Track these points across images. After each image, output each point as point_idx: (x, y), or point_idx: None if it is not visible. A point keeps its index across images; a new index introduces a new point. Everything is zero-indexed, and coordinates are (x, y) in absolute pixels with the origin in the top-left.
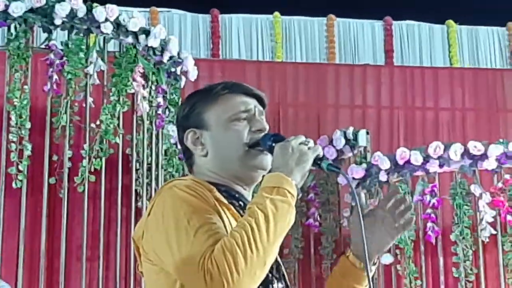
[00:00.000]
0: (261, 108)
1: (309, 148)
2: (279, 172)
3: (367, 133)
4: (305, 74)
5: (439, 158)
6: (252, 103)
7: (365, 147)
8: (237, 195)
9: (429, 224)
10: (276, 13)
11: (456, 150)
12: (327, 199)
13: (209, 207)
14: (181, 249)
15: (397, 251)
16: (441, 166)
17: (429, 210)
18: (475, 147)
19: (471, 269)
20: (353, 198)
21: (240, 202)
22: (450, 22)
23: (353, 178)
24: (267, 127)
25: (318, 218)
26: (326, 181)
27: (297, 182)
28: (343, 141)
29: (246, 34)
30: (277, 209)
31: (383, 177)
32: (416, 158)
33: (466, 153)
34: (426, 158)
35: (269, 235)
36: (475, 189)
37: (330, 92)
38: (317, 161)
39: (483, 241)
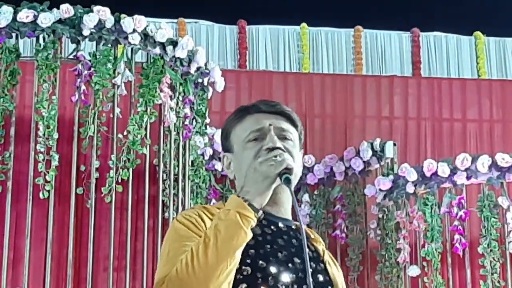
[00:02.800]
0: (280, 125)
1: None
2: (239, 193)
3: (394, 144)
4: (332, 85)
5: (466, 170)
6: (268, 120)
7: (392, 159)
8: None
9: (457, 236)
10: (303, 24)
11: (483, 162)
12: (354, 210)
13: (195, 234)
14: (156, 275)
15: (424, 263)
16: (468, 178)
17: (456, 222)
18: (503, 159)
19: (498, 282)
20: (298, 219)
21: (265, 222)
22: (478, 33)
23: (380, 190)
24: (278, 144)
25: (345, 230)
26: (353, 193)
27: (251, 201)
28: (370, 152)
29: (273, 45)
30: (221, 232)
31: (410, 188)
32: (444, 170)
33: (493, 165)
34: (454, 170)
35: (207, 258)
36: (503, 202)
37: (357, 103)
38: (282, 175)
39: (510, 254)
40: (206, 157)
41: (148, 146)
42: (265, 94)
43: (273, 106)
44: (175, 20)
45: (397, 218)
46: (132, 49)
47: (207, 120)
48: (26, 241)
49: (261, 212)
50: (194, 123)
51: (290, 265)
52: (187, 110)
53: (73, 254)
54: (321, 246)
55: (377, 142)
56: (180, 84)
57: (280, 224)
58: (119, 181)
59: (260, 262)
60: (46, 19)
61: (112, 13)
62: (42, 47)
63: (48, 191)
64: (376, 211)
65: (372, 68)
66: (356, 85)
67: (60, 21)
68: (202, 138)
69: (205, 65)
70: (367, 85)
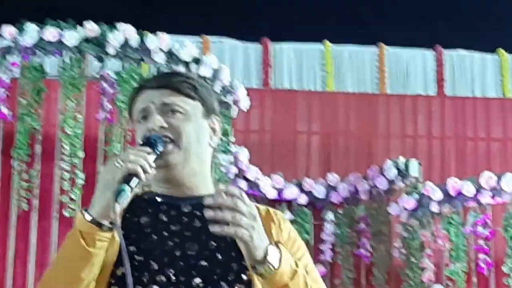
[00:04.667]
0: (163, 100)
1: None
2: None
3: (419, 163)
4: (356, 104)
5: (491, 189)
6: (153, 97)
7: (416, 177)
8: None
9: (482, 256)
10: (327, 42)
11: (508, 181)
12: (379, 229)
13: None
14: None
15: (449, 283)
16: (493, 197)
17: (481, 242)
18: None
19: None
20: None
21: (164, 207)
22: (501, 50)
23: (404, 209)
24: (158, 123)
25: (370, 249)
26: (377, 211)
27: (96, 217)
28: (394, 171)
29: (297, 63)
30: (64, 251)
31: (434, 207)
32: (468, 189)
33: None
34: (478, 189)
35: (49, 279)
36: None
37: (381, 122)
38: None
39: None
40: (231, 176)
41: None
42: (289, 112)
43: (158, 80)
44: (199, 38)
45: (421, 237)
46: (158, 68)
47: (232, 139)
48: (51, 259)
49: (112, 225)
50: (219, 141)
51: (178, 253)
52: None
53: None
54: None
55: (401, 160)
56: None
57: (183, 207)
58: None
59: (139, 258)
60: (71, 37)
61: (135, 28)
62: (67, 65)
63: (73, 209)
64: (400, 230)
65: (396, 86)
66: (380, 104)
67: (85, 39)
68: (227, 156)
69: (230, 83)
70: (391, 104)
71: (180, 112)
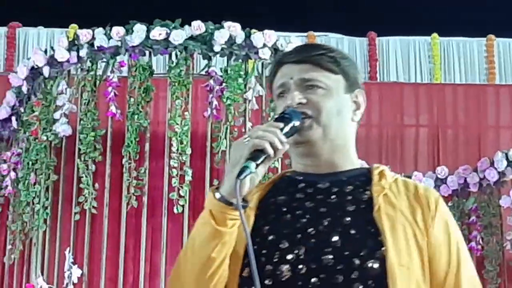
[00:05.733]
0: (303, 75)
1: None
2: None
3: None
4: (464, 95)
5: None
6: (292, 72)
7: None
8: (300, 179)
9: None
10: (434, 35)
11: None
12: (489, 222)
13: None
14: None
15: None
16: None
17: None
18: None
19: None
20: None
21: (302, 185)
22: None
23: None
24: (296, 100)
25: (480, 241)
26: (488, 204)
27: (225, 195)
28: (504, 162)
29: (403, 56)
30: (197, 231)
31: None
32: None
33: None
34: None
35: (186, 261)
36: None
37: (490, 113)
38: (249, 159)
39: None
40: None
41: (280, 160)
42: (396, 105)
43: (298, 54)
44: (305, 34)
45: None
46: (262, 63)
47: None
48: (161, 256)
49: (244, 203)
50: None
51: (310, 230)
52: None
53: None
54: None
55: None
56: None
57: (320, 184)
58: None
59: (271, 237)
60: (178, 36)
61: (242, 28)
62: (174, 64)
63: (182, 205)
64: None
65: (505, 77)
66: (489, 94)
67: (191, 37)
68: None
69: None
70: (501, 95)
71: (321, 87)
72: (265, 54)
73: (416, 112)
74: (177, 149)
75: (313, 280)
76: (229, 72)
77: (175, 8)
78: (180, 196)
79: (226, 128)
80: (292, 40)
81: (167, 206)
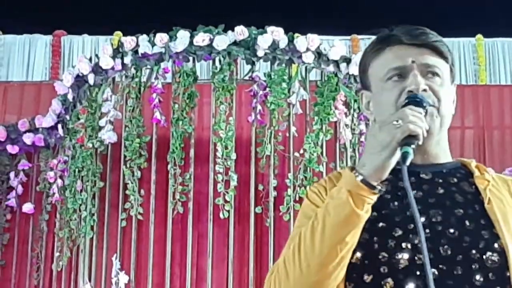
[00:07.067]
0: (425, 61)
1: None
2: (357, 165)
3: None
4: (510, 96)
5: None
6: (410, 55)
7: None
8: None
9: None
10: (479, 36)
11: None
12: None
13: (313, 208)
14: None
15: None
16: None
17: None
18: None
19: None
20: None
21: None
22: None
23: None
24: (422, 86)
25: None
26: None
27: (366, 177)
28: None
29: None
30: (330, 214)
31: None
32: None
33: None
34: None
35: (313, 245)
36: None
37: None
38: (404, 145)
39: None
40: None
41: (324, 164)
42: None
43: (416, 37)
44: (348, 37)
45: None
46: (306, 68)
47: None
48: (208, 261)
49: (380, 187)
50: None
51: (423, 219)
52: (362, 126)
53: (254, 273)
54: (484, 184)
55: None
56: (355, 100)
57: (422, 174)
58: (297, 199)
59: (381, 224)
60: (222, 41)
61: (285, 33)
62: (218, 69)
63: (228, 211)
64: None
65: None
66: None
67: (235, 43)
68: None
69: None
70: None
71: (439, 76)
72: (308, 58)
73: (461, 114)
74: (222, 155)
75: (432, 270)
76: (272, 76)
77: (218, 13)
78: (225, 201)
79: (271, 133)
80: (335, 44)
81: (213, 211)
